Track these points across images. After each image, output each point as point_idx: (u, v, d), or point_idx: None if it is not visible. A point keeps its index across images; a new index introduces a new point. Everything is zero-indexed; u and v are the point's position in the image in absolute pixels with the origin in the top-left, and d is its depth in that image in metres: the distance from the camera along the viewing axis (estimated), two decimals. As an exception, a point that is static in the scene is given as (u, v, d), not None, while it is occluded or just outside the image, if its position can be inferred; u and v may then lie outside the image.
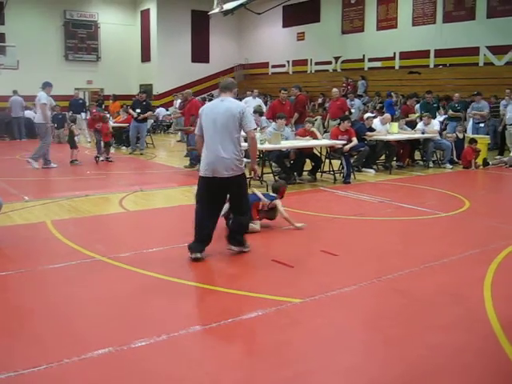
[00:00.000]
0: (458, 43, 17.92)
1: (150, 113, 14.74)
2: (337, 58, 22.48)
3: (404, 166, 11.59)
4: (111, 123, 14.00)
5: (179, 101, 17.63)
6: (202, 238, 4.99)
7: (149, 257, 5.14)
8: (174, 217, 7.14)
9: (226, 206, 5.42)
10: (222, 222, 6.02)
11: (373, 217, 6.92)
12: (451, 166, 11.47)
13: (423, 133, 11.46)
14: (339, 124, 10.36)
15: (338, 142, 9.79)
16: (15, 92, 18.06)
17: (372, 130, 11.07)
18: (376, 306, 4.07)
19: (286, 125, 10.12)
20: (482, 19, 17.48)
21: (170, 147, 16.78)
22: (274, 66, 25.63)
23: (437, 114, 13.54)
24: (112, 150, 12.58)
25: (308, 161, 9.95)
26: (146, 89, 21.20)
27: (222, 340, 3.50)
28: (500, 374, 3.09)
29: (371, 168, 10.91)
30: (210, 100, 22.87)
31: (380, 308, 4.04)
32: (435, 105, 13.70)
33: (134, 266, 4.81)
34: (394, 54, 20.22)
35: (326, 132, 13.50)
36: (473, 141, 11.62)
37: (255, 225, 5.92)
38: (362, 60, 21.37)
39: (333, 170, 9.80)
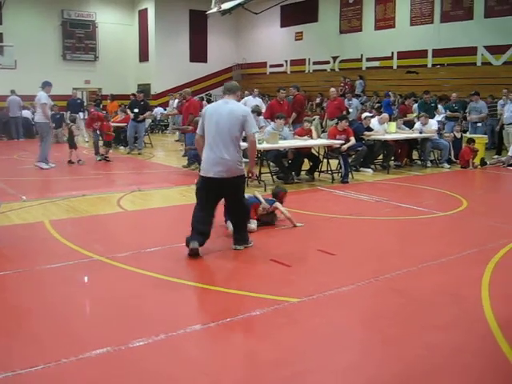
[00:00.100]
0: (455, 43, 17.94)
1: (148, 113, 14.73)
2: (335, 58, 22.49)
3: (402, 165, 11.60)
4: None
5: (177, 100, 17.62)
6: (198, 231, 5.07)
7: (147, 256, 5.14)
8: (171, 216, 7.13)
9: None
10: (220, 222, 6.03)
11: (371, 216, 6.92)
12: (449, 166, 11.49)
13: (421, 132, 11.48)
14: (337, 124, 10.37)
15: (336, 142, 9.80)
16: (13, 92, 18.02)
17: (370, 129, 11.08)
18: (374, 306, 4.08)
19: (285, 125, 10.13)
20: (480, 19, 17.49)
21: (168, 147, 16.77)
22: (271, 66, 25.63)
23: (435, 113, 13.54)
24: (110, 150, 12.58)
25: (306, 160, 9.95)
26: (144, 88, 21.22)
27: (220, 340, 3.50)
28: (498, 373, 3.09)
29: (369, 168, 10.92)
30: (209, 100, 23.01)
31: (378, 307, 4.04)
32: (433, 104, 13.72)
33: (131, 265, 4.81)
34: (392, 53, 20.23)
35: (323, 132, 13.51)
36: (471, 140, 11.63)
37: (252, 224, 5.94)
38: (360, 60, 21.38)
39: (331, 170, 9.80)
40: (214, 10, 19.38)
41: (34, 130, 17.76)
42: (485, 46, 17.33)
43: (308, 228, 6.21)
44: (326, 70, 22.87)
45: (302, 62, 24.04)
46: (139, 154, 13.84)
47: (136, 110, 13.81)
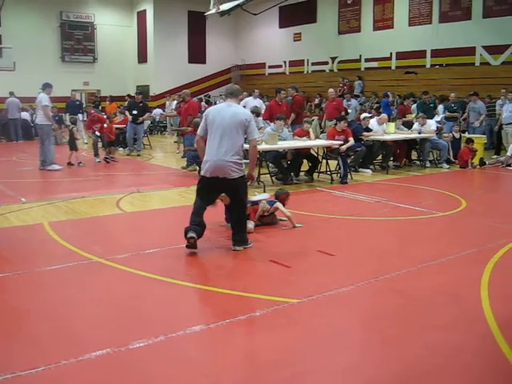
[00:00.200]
0: (454, 43, 17.97)
1: (147, 114, 14.73)
2: (333, 59, 22.52)
3: (401, 165, 11.61)
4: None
5: (175, 102, 17.62)
6: (195, 223, 5.18)
7: (146, 258, 5.14)
8: (171, 218, 7.13)
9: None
10: (220, 223, 6.04)
11: (370, 217, 6.93)
12: (448, 166, 11.50)
13: (420, 133, 11.48)
14: (336, 124, 10.38)
15: (335, 143, 9.80)
16: (12, 93, 18.04)
17: (369, 130, 11.09)
18: (373, 306, 4.08)
19: (284, 126, 10.13)
20: (478, 19, 17.53)
21: (167, 148, 16.76)
22: (270, 67, 25.65)
23: (434, 113, 13.54)
24: (116, 150, 12.55)
25: (305, 161, 9.96)
26: (143, 90, 21.21)
27: (219, 341, 3.49)
28: (498, 373, 3.09)
29: (368, 168, 10.93)
30: (207, 101, 23.01)
31: (377, 308, 4.04)
32: (432, 105, 13.73)
33: (131, 267, 4.81)
34: (391, 54, 20.26)
35: (322, 132, 13.51)
36: (469, 140, 11.64)
37: (249, 224, 5.94)
38: (359, 60, 21.41)
39: (330, 171, 9.81)
40: (213, 11, 19.40)
41: (32, 132, 17.79)
42: (483, 46, 17.37)
43: (307, 229, 6.22)
44: (324, 71, 22.90)
45: (300, 62, 24.06)
46: (138, 155, 13.84)
47: (135, 112, 13.81)
